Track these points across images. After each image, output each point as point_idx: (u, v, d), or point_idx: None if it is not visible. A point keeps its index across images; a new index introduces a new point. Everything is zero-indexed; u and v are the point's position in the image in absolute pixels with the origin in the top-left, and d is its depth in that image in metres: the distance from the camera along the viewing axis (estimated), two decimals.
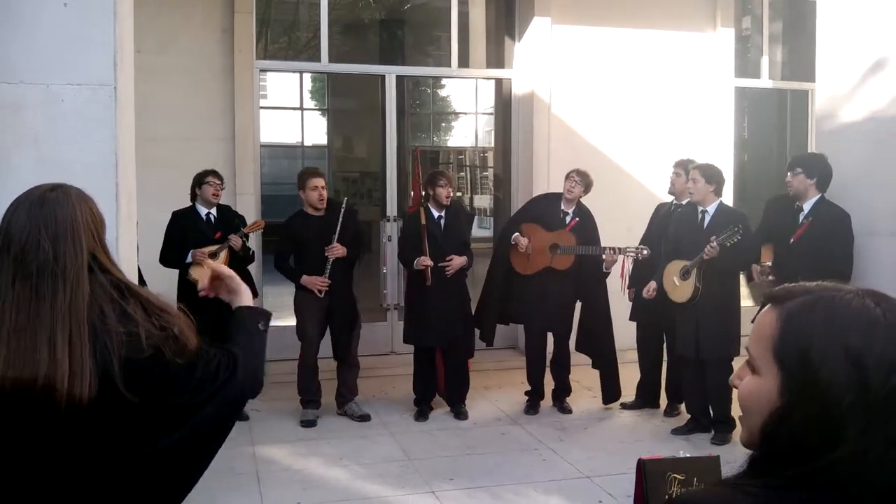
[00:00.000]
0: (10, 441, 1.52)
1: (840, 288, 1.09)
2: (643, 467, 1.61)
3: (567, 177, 6.37)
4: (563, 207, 6.38)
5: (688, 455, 1.65)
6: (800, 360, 1.05)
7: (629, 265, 6.36)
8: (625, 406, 6.54)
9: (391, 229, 7.94)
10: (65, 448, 1.54)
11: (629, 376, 6.56)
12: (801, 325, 1.06)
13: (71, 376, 1.47)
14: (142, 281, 5.76)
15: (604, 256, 6.16)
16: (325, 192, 6.14)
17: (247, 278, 6.22)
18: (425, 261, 6.10)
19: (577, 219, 6.35)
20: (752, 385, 1.12)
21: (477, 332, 6.50)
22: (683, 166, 6.14)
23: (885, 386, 1.00)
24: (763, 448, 1.09)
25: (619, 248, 6.18)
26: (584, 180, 6.32)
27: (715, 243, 5.38)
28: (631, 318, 6.46)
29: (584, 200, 6.44)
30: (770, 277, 5.47)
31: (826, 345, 1.03)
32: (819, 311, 1.06)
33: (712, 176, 5.67)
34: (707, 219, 5.67)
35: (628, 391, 6.56)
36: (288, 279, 6.32)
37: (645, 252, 6.09)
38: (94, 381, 1.49)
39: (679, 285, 5.68)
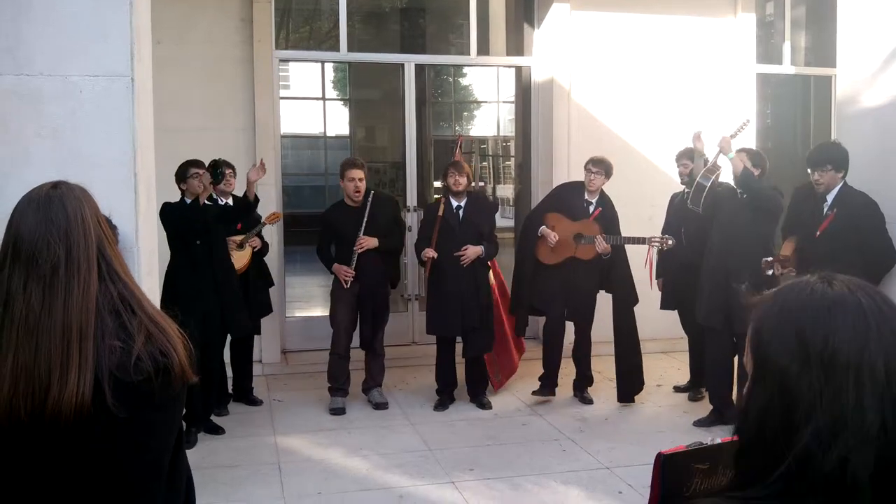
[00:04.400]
0: (17, 448, 1.42)
1: (814, 276, 1.12)
2: (663, 463, 1.51)
3: (585, 169, 6.28)
4: (586, 197, 6.32)
5: (707, 443, 1.56)
6: (757, 341, 1.10)
7: (654, 255, 6.30)
8: (678, 389, 6.55)
9: (411, 219, 7.92)
10: (65, 459, 1.44)
11: (665, 365, 6.52)
12: (763, 309, 1.11)
13: (80, 375, 1.40)
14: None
15: (596, 247, 6.06)
16: (361, 185, 6.15)
17: (262, 268, 6.28)
18: (429, 252, 6.11)
19: (601, 208, 6.28)
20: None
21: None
22: (688, 155, 6.14)
23: (824, 352, 1.03)
24: (740, 437, 1.11)
25: (644, 238, 6.11)
26: (602, 169, 6.23)
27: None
28: (663, 307, 6.40)
29: (606, 188, 6.37)
30: (791, 272, 5.28)
31: (775, 323, 1.08)
32: (779, 295, 1.11)
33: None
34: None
35: (651, 381, 6.54)
36: (326, 267, 6.38)
37: (670, 242, 6.03)
38: (91, 387, 1.41)
39: None
